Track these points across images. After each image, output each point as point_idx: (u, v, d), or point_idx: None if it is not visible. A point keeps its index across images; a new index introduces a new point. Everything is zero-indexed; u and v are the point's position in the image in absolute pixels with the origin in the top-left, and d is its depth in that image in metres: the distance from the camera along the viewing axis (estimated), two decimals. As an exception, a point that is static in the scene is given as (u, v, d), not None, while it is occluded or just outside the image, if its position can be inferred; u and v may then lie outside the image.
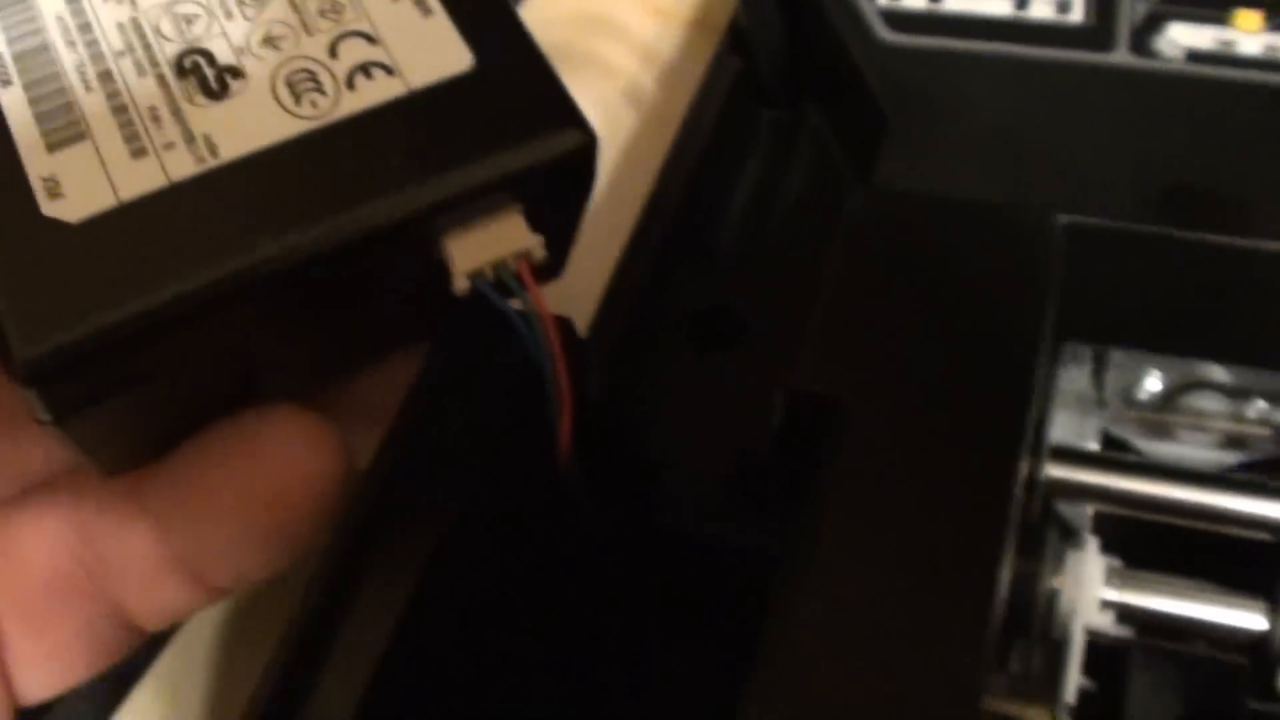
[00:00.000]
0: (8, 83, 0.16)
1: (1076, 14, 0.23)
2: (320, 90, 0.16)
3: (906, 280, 0.18)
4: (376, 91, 0.16)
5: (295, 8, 0.17)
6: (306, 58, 0.16)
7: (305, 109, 0.16)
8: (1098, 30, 0.22)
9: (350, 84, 0.16)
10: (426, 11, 0.17)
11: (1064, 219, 0.18)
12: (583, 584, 0.20)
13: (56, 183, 0.15)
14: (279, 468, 0.17)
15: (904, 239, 0.18)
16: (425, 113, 0.16)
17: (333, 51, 0.16)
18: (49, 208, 0.15)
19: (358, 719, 0.15)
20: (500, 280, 0.16)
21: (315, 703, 0.16)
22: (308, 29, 0.17)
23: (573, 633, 0.21)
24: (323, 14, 0.17)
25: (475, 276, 0.16)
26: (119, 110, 0.16)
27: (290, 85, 0.16)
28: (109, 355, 0.15)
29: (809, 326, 0.17)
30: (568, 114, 0.16)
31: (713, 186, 0.25)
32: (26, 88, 0.16)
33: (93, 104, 0.16)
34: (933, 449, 0.17)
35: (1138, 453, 0.24)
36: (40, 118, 0.16)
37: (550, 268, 0.19)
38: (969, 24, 0.23)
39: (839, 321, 0.18)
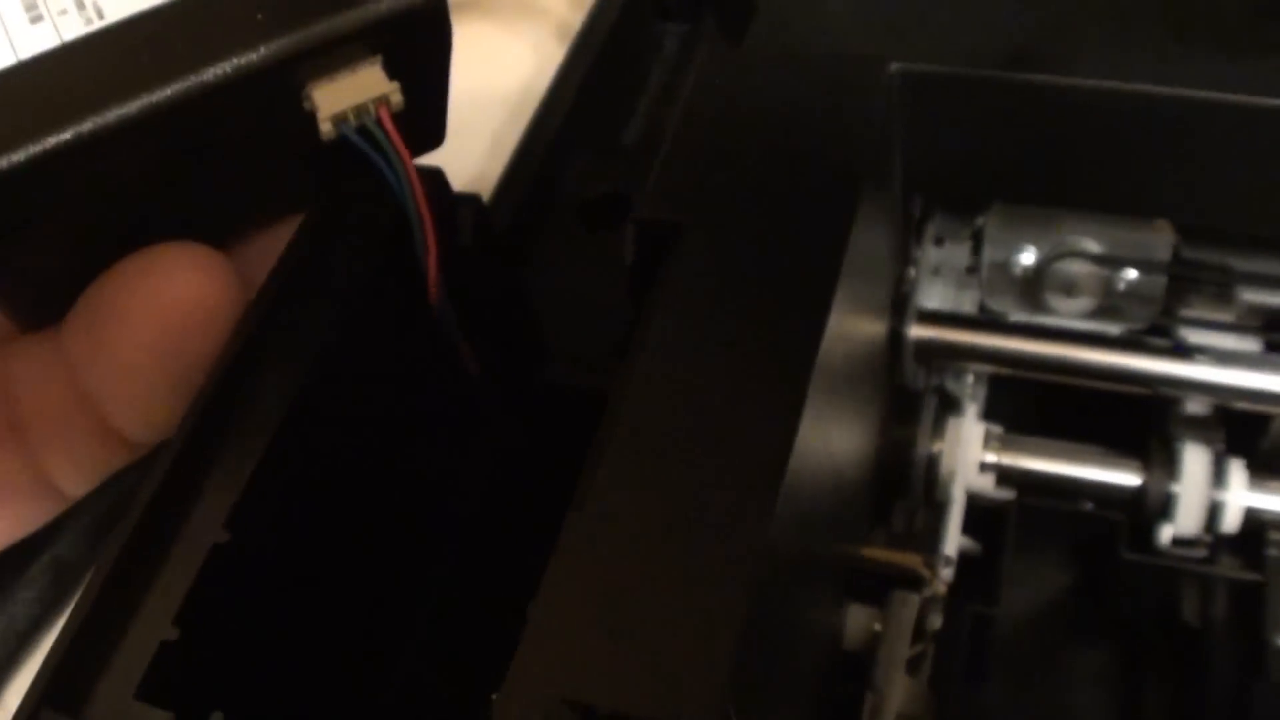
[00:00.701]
0: None
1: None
2: (195, -41, 0.18)
3: (747, 125, 0.19)
4: None
5: None
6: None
7: (174, -26, 0.18)
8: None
9: None
10: None
11: (896, 66, 0.20)
12: (467, 428, 0.22)
13: None
14: (177, 294, 0.18)
15: (746, 89, 0.20)
16: None
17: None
18: None
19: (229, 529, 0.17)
20: (365, 130, 0.18)
21: (192, 516, 0.17)
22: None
23: (447, 469, 0.23)
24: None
25: (340, 122, 0.18)
26: None
27: (161, -45, 0.18)
28: (11, 191, 0.17)
29: (656, 164, 0.19)
30: None
31: (612, 89, 0.26)
32: None
33: None
34: (754, 281, 0.18)
35: (1055, 312, 0.25)
36: None
37: (430, 134, 0.21)
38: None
39: (683, 159, 0.19)
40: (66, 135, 0.17)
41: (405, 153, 0.19)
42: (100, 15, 0.18)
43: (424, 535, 0.21)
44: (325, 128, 0.18)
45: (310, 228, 0.20)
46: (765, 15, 0.22)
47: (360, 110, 0.18)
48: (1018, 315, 0.25)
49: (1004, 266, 0.25)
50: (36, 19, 0.18)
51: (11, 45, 0.17)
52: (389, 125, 0.18)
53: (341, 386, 0.19)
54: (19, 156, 0.17)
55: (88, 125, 0.17)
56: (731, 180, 0.19)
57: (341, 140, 0.18)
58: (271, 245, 0.20)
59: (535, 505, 0.22)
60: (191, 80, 0.17)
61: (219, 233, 0.20)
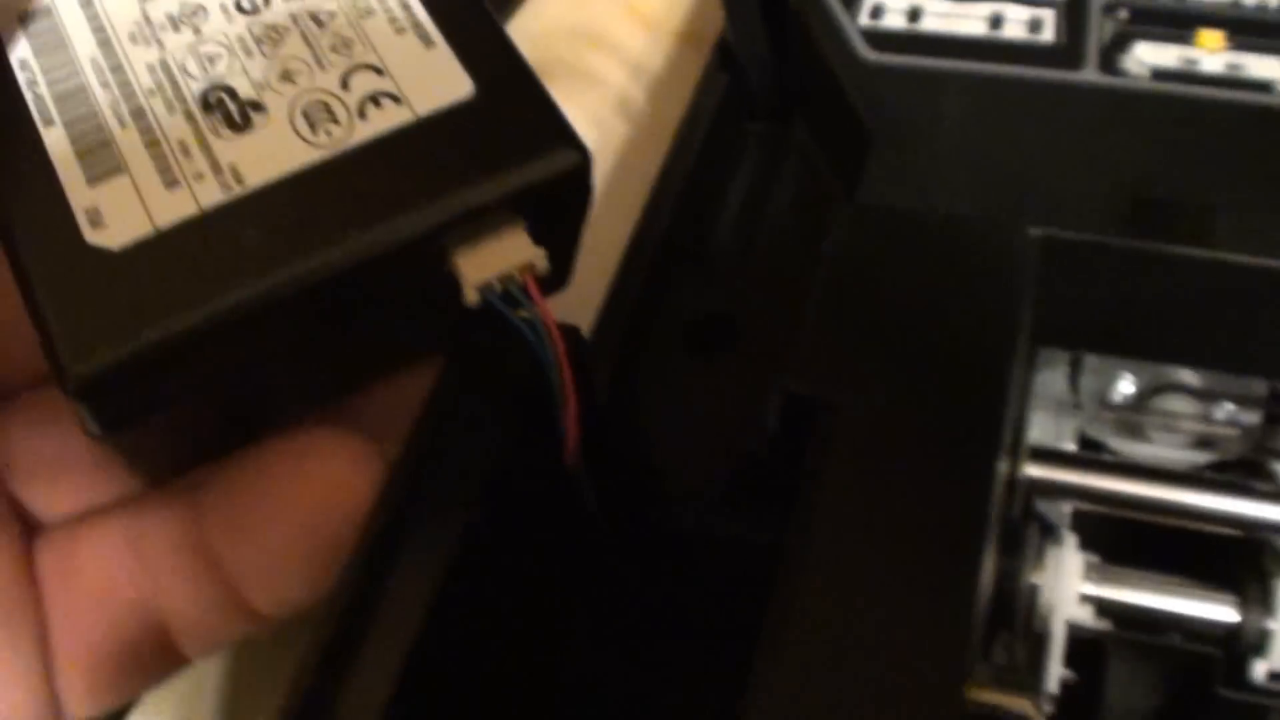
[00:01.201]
0: (50, 122, 0.17)
1: (1048, 34, 0.24)
2: (334, 120, 0.17)
3: (890, 290, 0.19)
4: (386, 119, 0.18)
5: (309, 44, 0.18)
6: (321, 90, 0.18)
7: (321, 138, 0.17)
8: (1068, 49, 0.23)
9: (362, 113, 0.18)
10: (429, 43, 0.18)
11: (1036, 232, 0.20)
12: (592, 583, 0.22)
13: (98, 213, 0.17)
14: (326, 482, 0.18)
15: (887, 251, 0.20)
16: (432, 137, 0.17)
17: (345, 84, 0.18)
18: (92, 236, 0.17)
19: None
20: (508, 293, 0.18)
21: (341, 710, 0.17)
22: (321, 64, 0.18)
23: (584, 631, 0.23)
24: (334, 49, 0.18)
25: (484, 289, 0.18)
26: (152, 144, 0.17)
27: (307, 116, 0.17)
28: (151, 370, 0.16)
29: (800, 333, 0.19)
30: (564, 135, 0.18)
31: (705, 197, 0.26)
32: (67, 126, 0.17)
33: (128, 139, 0.17)
34: (916, 450, 0.18)
35: (1113, 453, 0.25)
36: (80, 154, 0.17)
37: (556, 280, 0.20)
38: (946, 44, 0.24)
39: (827, 328, 0.19)
40: (207, 313, 0.16)
41: (551, 320, 0.18)
42: (239, 181, 0.17)
43: (562, 690, 0.21)
44: (471, 296, 0.18)
45: (442, 390, 0.19)
46: (878, 167, 0.22)
47: (507, 278, 0.18)
48: (1115, 442, 0.25)
49: (1102, 396, 0.25)
50: (172, 183, 0.17)
51: (147, 213, 0.17)
52: (535, 293, 0.18)
53: (482, 557, 0.18)
54: (156, 336, 0.16)
55: (231, 299, 0.16)
56: (879, 348, 0.19)
57: (484, 304, 0.18)
58: (397, 396, 0.20)
59: (674, 660, 0.22)
60: (336, 255, 0.17)
61: (349, 385, 0.20)
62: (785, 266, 0.25)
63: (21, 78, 0.18)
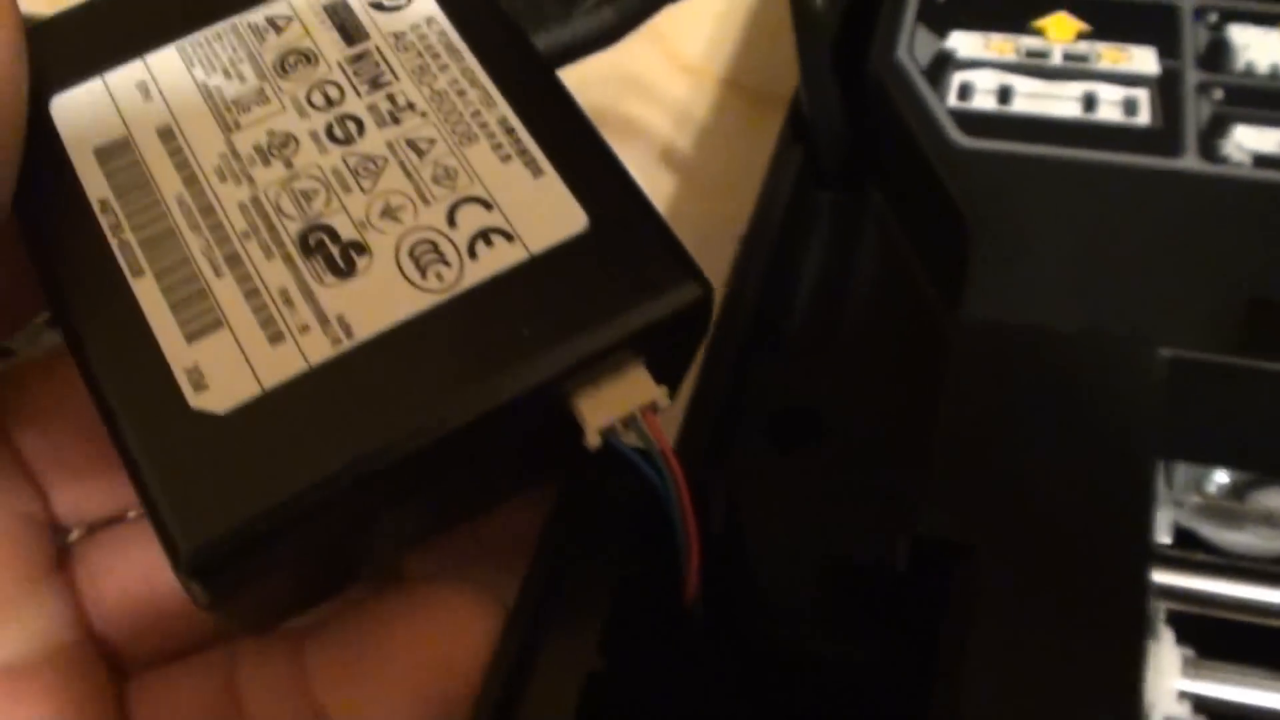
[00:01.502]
0: (139, 272, 0.16)
1: (1143, 116, 0.23)
2: (444, 261, 0.16)
3: (1018, 416, 0.18)
4: (498, 259, 0.17)
5: (410, 176, 0.17)
6: (427, 228, 0.17)
7: (431, 282, 0.16)
8: (1165, 134, 0.23)
9: (472, 252, 0.17)
10: (537, 171, 0.17)
11: (1166, 353, 0.19)
12: (708, 707, 0.21)
13: (200, 374, 0.16)
14: (447, 640, 0.17)
15: (1009, 376, 0.19)
16: (547, 277, 0.17)
17: (451, 220, 0.17)
18: (196, 400, 0.16)
19: None
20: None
21: None
22: (424, 198, 0.17)
23: None
24: (437, 181, 0.17)
25: (609, 435, 0.17)
26: (251, 294, 0.16)
27: (414, 258, 0.17)
28: (266, 540, 0.15)
29: (928, 470, 0.18)
30: (685, 268, 0.17)
31: (783, 276, 0.25)
32: (158, 276, 0.16)
33: (225, 290, 0.16)
34: (1065, 587, 0.17)
35: (1209, 545, 0.25)
36: (175, 307, 0.16)
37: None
38: (1040, 127, 0.23)
39: (957, 463, 0.18)
40: (323, 479, 0.15)
41: (675, 461, 0.17)
42: (348, 333, 0.16)
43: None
44: (594, 441, 0.17)
45: (555, 527, 0.18)
46: (982, 272, 0.21)
47: (630, 421, 0.17)
48: (1208, 531, 0.25)
49: (1197, 486, 0.24)
50: (276, 338, 0.16)
51: (252, 371, 0.16)
52: (659, 434, 0.17)
53: (607, 705, 0.17)
54: (271, 506, 0.15)
55: (346, 462, 0.15)
56: (1010, 481, 0.18)
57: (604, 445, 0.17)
58: (504, 526, 0.19)
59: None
60: (453, 411, 0.16)
61: (452, 521, 0.19)
62: (866, 353, 0.25)
63: (104, 222, 0.17)
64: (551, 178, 0.17)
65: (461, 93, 0.18)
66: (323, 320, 0.16)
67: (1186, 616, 0.25)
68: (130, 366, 0.16)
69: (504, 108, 0.18)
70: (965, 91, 0.24)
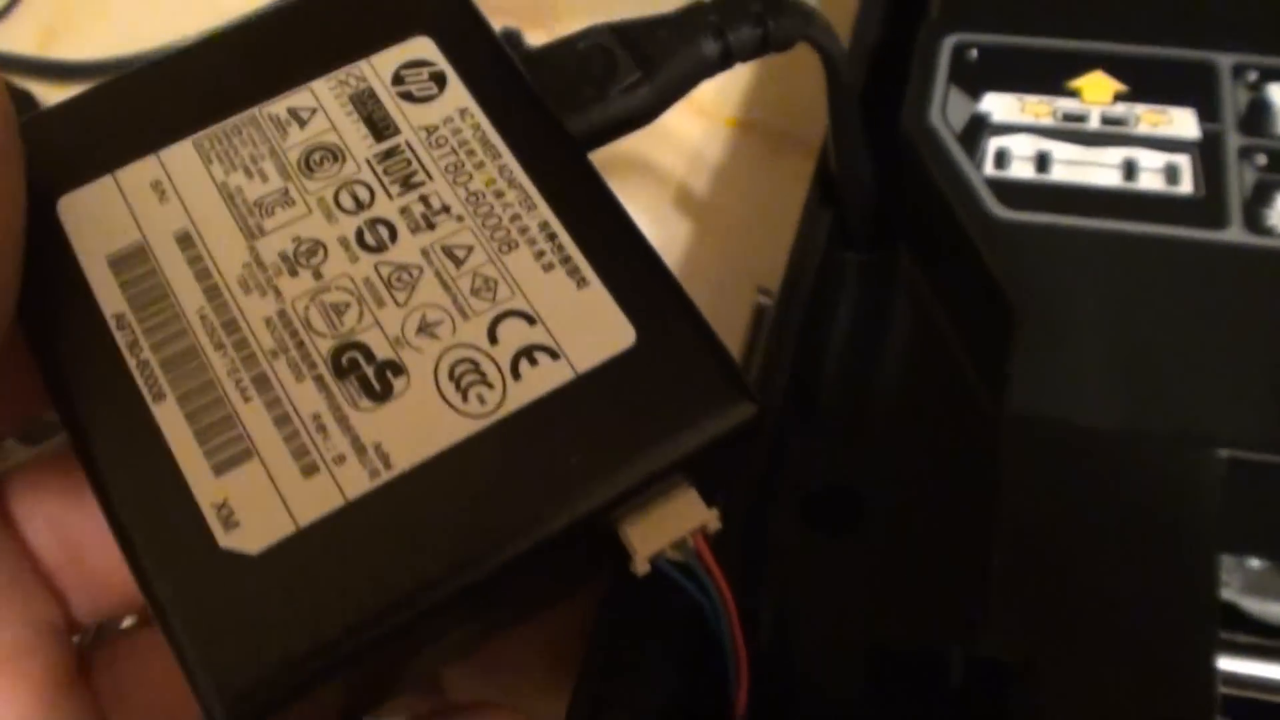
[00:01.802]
0: (160, 396, 0.15)
1: (1185, 184, 0.22)
2: (485, 382, 0.16)
3: (1076, 526, 0.18)
4: (542, 379, 0.16)
5: (448, 288, 0.16)
6: (467, 345, 0.16)
7: (473, 405, 0.15)
8: (1209, 203, 0.22)
9: (515, 372, 0.16)
10: (582, 282, 0.16)
11: (1225, 453, 0.18)
12: None
13: (230, 510, 0.15)
14: None
15: (1066, 480, 0.18)
16: (594, 399, 0.16)
17: (492, 336, 0.16)
18: (226, 539, 0.15)
19: None
20: (685, 566, 0.16)
21: None
22: (463, 311, 0.16)
23: None
24: (476, 293, 0.16)
25: (656, 561, 0.16)
26: (282, 421, 0.15)
27: (455, 379, 0.16)
28: (303, 684, 0.14)
29: (986, 589, 0.17)
30: (736, 387, 0.16)
31: (815, 345, 0.24)
32: (181, 401, 0.15)
33: (254, 416, 0.15)
34: (1127, 705, 0.17)
35: (1248, 614, 0.24)
36: (201, 435, 0.15)
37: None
38: (1079, 196, 0.22)
39: (1016, 582, 0.17)
40: (362, 623, 0.14)
41: (725, 585, 0.16)
42: (387, 464, 0.15)
43: None
44: (641, 569, 0.16)
45: (602, 643, 0.17)
46: (1026, 360, 0.20)
47: (679, 546, 0.16)
48: (1247, 604, 0.24)
49: (1239, 560, 0.24)
50: (311, 470, 0.15)
51: (287, 508, 0.15)
52: (709, 559, 0.16)
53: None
54: (309, 651, 0.14)
55: (387, 603, 0.15)
56: (1070, 600, 0.17)
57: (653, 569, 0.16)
58: (545, 645, 0.18)
59: None
60: (501, 549, 0.15)
61: (492, 636, 0.18)
62: (903, 428, 0.24)
63: (121, 339, 0.16)
64: (596, 288, 0.16)
65: (499, 194, 0.17)
66: (359, 450, 0.15)
67: (1237, 700, 0.25)
68: (154, 501, 0.15)
69: (545, 210, 0.17)
70: (1002, 158, 0.24)
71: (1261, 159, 0.23)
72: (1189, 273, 0.21)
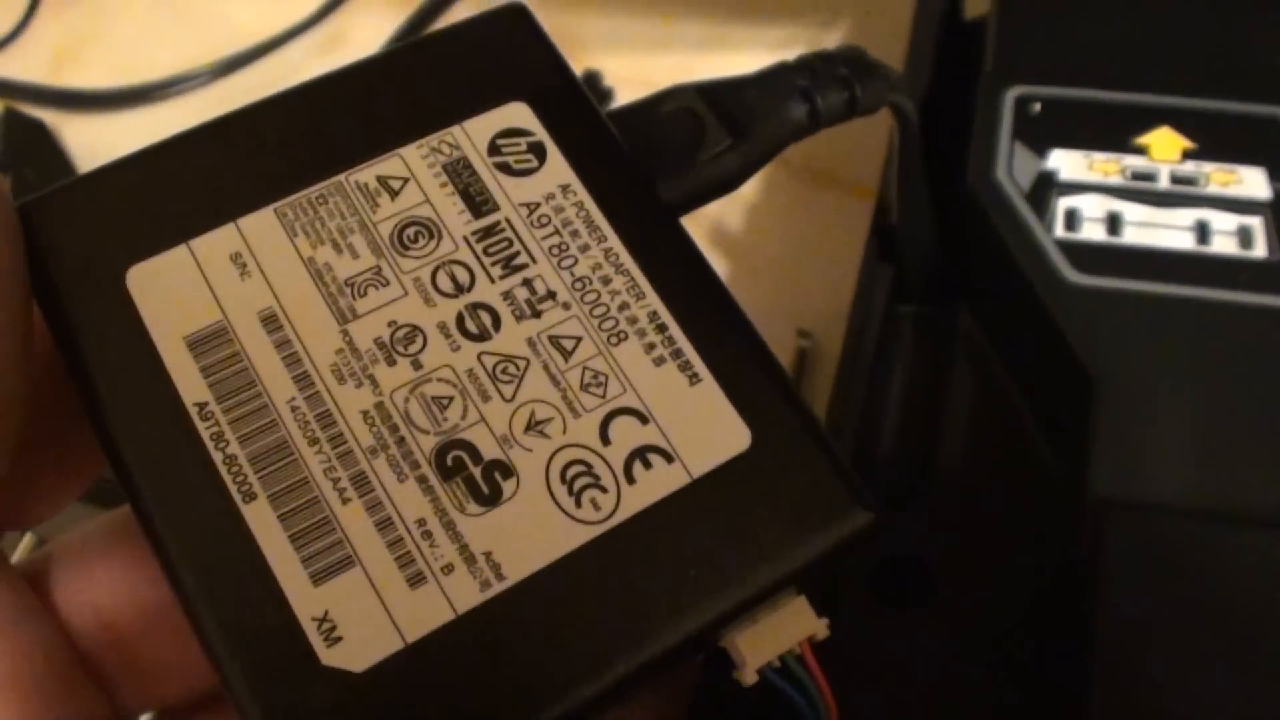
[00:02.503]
0: (251, 497, 0.14)
1: (1259, 249, 0.22)
2: (599, 487, 0.15)
3: (1182, 619, 0.18)
4: (657, 483, 0.15)
5: (556, 383, 0.15)
6: (579, 446, 0.15)
7: (586, 511, 0.15)
8: (1283, 268, 0.22)
9: (629, 476, 0.15)
10: (694, 379, 0.15)
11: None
12: None
13: (332, 624, 0.14)
14: None
15: (1167, 569, 0.18)
16: (709, 507, 0.15)
17: (605, 436, 0.15)
18: (328, 656, 0.14)
19: None
20: (787, 668, 0.16)
21: None
22: (573, 408, 0.15)
23: None
24: (586, 388, 0.15)
25: (763, 672, 0.15)
26: (384, 525, 0.14)
27: (567, 482, 0.15)
28: None
29: (1095, 695, 0.17)
30: (853, 493, 0.15)
31: (875, 404, 0.24)
32: (274, 502, 0.14)
33: (354, 520, 0.14)
34: None
35: None
36: (297, 540, 0.14)
37: None
38: (1152, 260, 0.22)
39: (1127, 680, 0.17)
40: None
41: (829, 693, 0.16)
42: (498, 575, 0.14)
43: None
44: (750, 679, 0.15)
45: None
46: (1107, 446, 0.20)
47: (787, 655, 0.15)
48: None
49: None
50: (418, 580, 0.14)
51: (393, 622, 0.14)
52: (814, 667, 0.16)
53: None
54: None
55: None
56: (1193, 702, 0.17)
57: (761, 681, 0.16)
58: None
59: None
60: (617, 668, 0.14)
61: None
62: (966, 485, 0.23)
63: (204, 431, 0.15)
64: (709, 385, 0.15)
65: (606, 280, 0.16)
66: (469, 559, 0.14)
67: None
68: (247, 613, 0.14)
69: (654, 299, 0.16)
70: (1072, 219, 0.23)
71: (1334, 224, 0.23)
72: (1267, 341, 0.21)
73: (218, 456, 0.14)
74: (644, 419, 0.15)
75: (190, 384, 0.15)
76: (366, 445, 0.15)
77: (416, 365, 0.15)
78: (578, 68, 0.33)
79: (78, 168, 0.40)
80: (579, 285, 0.16)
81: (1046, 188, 0.24)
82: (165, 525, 0.14)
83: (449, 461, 0.15)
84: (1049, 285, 0.22)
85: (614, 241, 0.16)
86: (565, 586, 0.14)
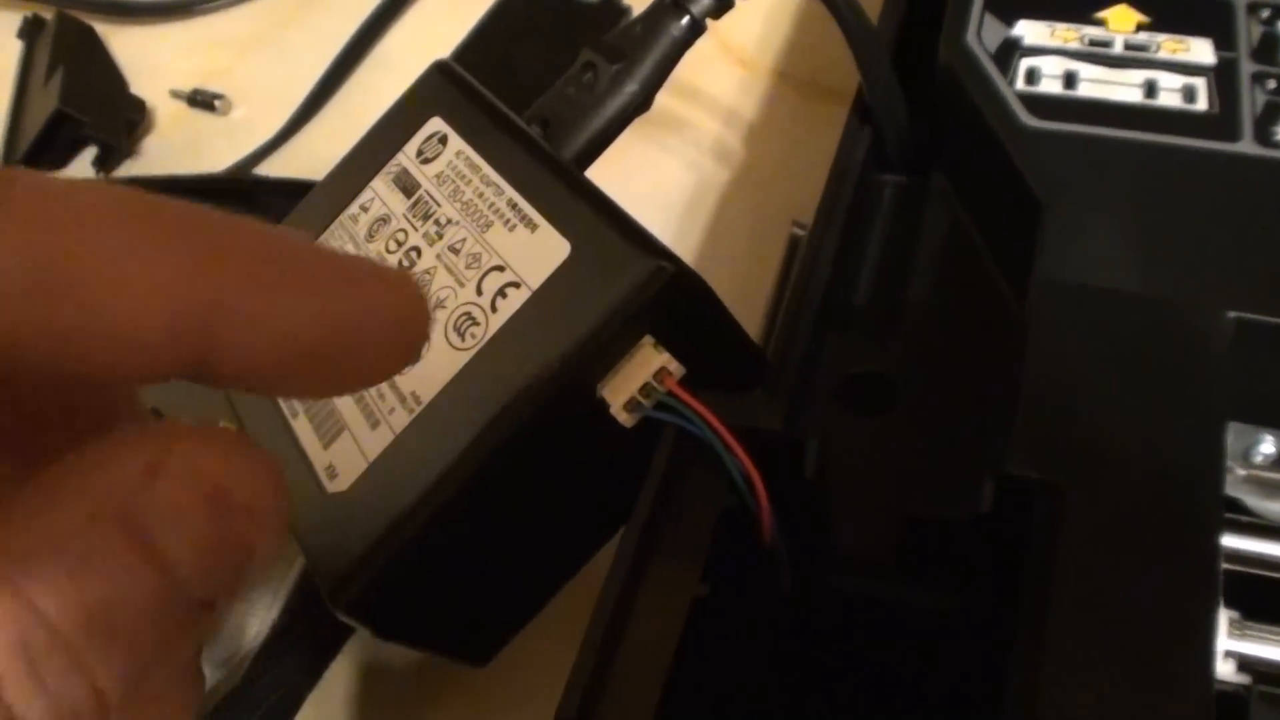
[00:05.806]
0: (295, 414, 0.23)
1: (1201, 103, 0.23)
2: (475, 323, 0.21)
3: (1095, 370, 0.20)
4: (511, 305, 0.21)
5: (452, 273, 0.22)
6: (464, 304, 0.21)
7: (468, 341, 0.21)
8: (1223, 120, 0.23)
9: (494, 308, 0.21)
10: (533, 227, 0.21)
11: (1233, 315, 0.20)
12: (783, 646, 0.24)
13: (333, 469, 0.22)
14: None
15: (1088, 332, 0.21)
16: (545, 303, 0.20)
17: (479, 289, 0.21)
18: (331, 486, 0.21)
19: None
20: (663, 404, 0.20)
21: None
22: (460, 282, 0.22)
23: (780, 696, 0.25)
24: (469, 266, 0.22)
25: (633, 407, 0.20)
26: (359, 399, 0.22)
27: (457, 330, 0.21)
28: (401, 570, 0.20)
29: (1016, 415, 0.20)
30: (651, 252, 0.20)
31: (852, 254, 0.27)
32: (307, 412, 0.21)
33: (346, 407, 0.22)
34: (1140, 531, 0.19)
35: (1250, 512, 0.25)
36: (317, 427, 0.23)
37: (745, 371, 0.22)
38: (1103, 110, 0.24)
39: (1043, 410, 0.20)
40: (424, 502, 0.20)
41: (704, 411, 0.20)
42: (418, 401, 0.21)
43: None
44: (623, 418, 0.20)
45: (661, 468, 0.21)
46: (1053, 240, 0.22)
47: (647, 390, 0.20)
48: (1252, 502, 0.25)
49: (1244, 456, 0.25)
50: (375, 424, 0.21)
51: (362, 453, 0.21)
52: (679, 391, 0.20)
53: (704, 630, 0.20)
54: (394, 542, 0.20)
55: (437, 484, 0.20)
56: (1092, 429, 0.20)
57: (647, 423, 0.20)
58: None
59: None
60: (504, 426, 0.20)
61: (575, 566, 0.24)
62: (933, 325, 0.26)
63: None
64: (545, 228, 0.21)
65: (480, 194, 0.23)
66: (401, 399, 0.21)
67: (1233, 577, 0.26)
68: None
69: (510, 191, 0.22)
70: (1033, 76, 0.25)
71: (1272, 84, 0.23)
72: (1202, 177, 0.23)
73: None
74: (502, 268, 0.21)
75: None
76: None
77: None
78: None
79: (123, 71, 0.43)
80: (464, 206, 0.23)
81: (1011, 50, 0.26)
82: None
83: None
84: (1008, 129, 0.24)
85: (488, 170, 0.23)
86: (460, 391, 0.21)
